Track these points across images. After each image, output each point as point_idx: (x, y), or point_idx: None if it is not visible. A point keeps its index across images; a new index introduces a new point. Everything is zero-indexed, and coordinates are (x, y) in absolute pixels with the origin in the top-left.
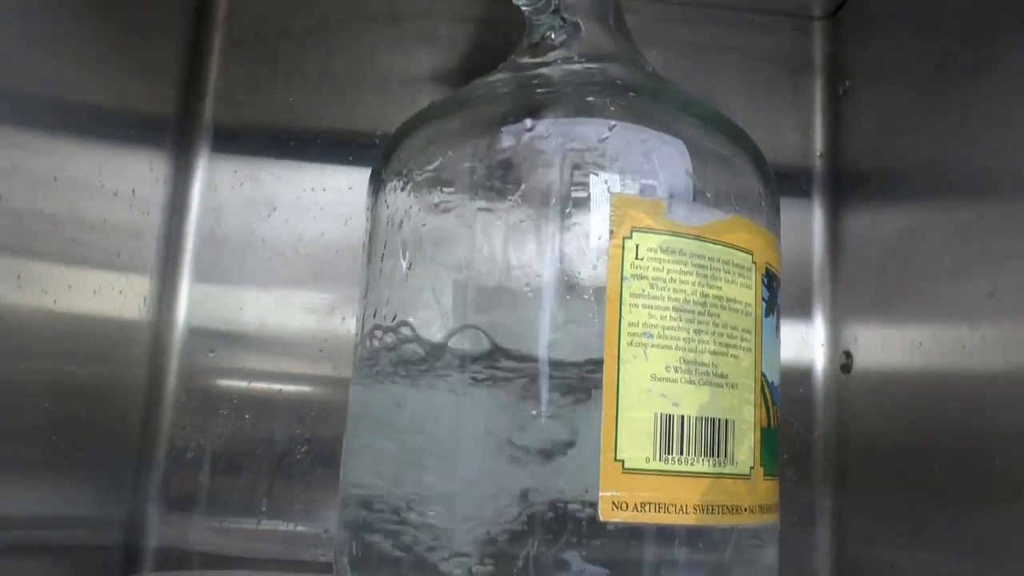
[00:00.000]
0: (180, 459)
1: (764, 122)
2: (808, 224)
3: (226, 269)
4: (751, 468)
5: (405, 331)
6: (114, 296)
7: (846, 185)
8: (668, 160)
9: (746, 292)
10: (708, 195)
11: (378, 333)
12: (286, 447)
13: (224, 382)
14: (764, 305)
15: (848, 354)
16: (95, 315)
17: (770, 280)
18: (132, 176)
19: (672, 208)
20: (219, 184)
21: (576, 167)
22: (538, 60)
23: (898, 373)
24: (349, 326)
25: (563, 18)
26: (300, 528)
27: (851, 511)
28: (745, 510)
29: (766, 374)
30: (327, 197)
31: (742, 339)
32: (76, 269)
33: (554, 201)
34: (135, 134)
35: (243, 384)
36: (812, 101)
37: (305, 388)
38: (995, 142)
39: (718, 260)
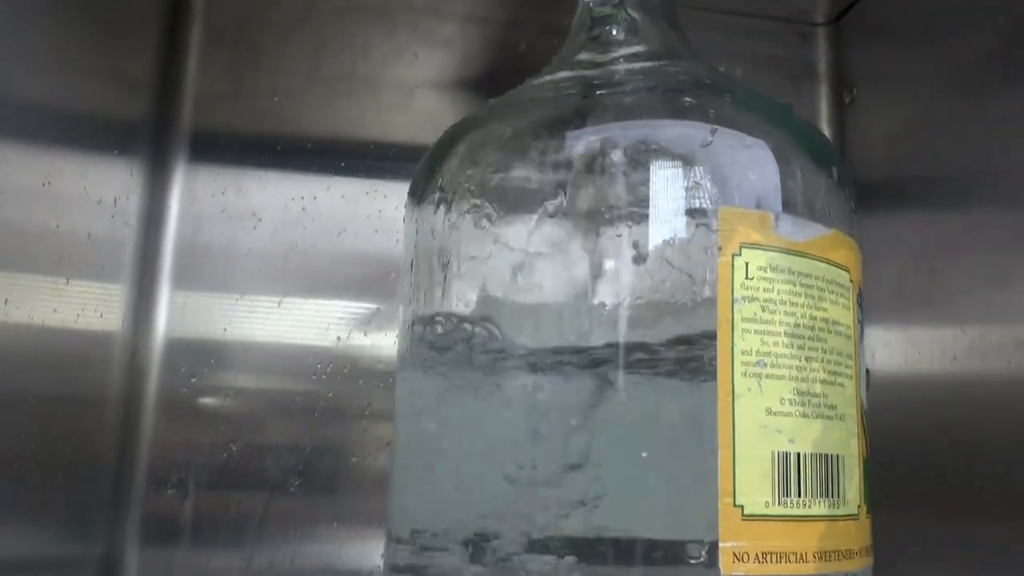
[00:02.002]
0: (161, 492)
1: None
2: None
3: (209, 284)
4: (859, 507)
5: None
6: (89, 315)
7: (859, 192)
8: (773, 169)
9: (847, 314)
10: (811, 208)
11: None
12: (279, 479)
13: (208, 407)
14: (860, 327)
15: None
16: (68, 332)
17: (862, 299)
18: (104, 186)
19: (779, 222)
20: (199, 195)
21: (674, 177)
22: (603, 57)
23: (923, 384)
24: (344, 345)
25: (628, 12)
26: (295, 567)
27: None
28: (856, 554)
29: (864, 403)
30: (318, 207)
31: (846, 365)
32: (42, 282)
33: (650, 213)
34: (106, 139)
35: (229, 409)
36: (817, 110)
37: (298, 413)
38: None
39: (823, 279)
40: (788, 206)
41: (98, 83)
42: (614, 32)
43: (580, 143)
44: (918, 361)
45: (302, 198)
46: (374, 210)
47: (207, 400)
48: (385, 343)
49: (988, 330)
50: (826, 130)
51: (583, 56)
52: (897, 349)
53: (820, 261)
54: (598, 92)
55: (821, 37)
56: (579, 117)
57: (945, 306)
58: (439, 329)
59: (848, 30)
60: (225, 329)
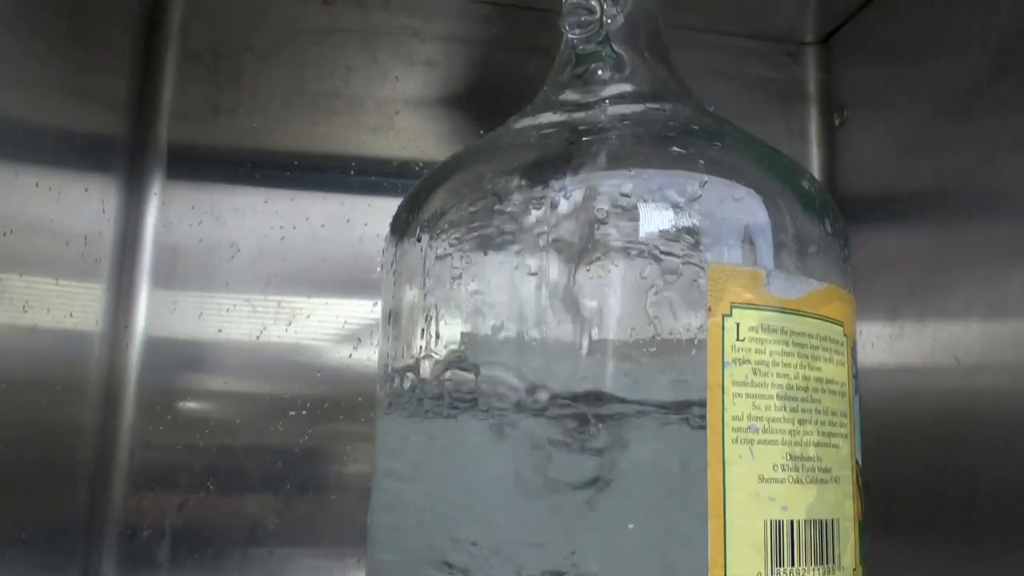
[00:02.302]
0: (135, 537)
1: None
2: None
3: (184, 318)
4: (854, 570)
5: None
6: (59, 352)
7: (847, 217)
8: (765, 222)
9: (841, 370)
10: (804, 262)
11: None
12: (259, 518)
13: (183, 449)
14: (854, 382)
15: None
16: (36, 374)
17: (855, 351)
18: (76, 213)
19: (771, 280)
20: (175, 221)
21: (662, 230)
22: (588, 98)
23: (916, 408)
24: (327, 385)
25: (613, 48)
26: None
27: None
28: None
29: (858, 460)
30: (296, 235)
31: (840, 424)
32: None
33: (635, 270)
34: (79, 163)
35: (206, 451)
36: (807, 131)
37: (278, 455)
38: None
39: (816, 336)
40: (781, 261)
41: (73, 102)
42: (599, 72)
43: (563, 193)
44: (911, 384)
45: (282, 227)
46: (354, 237)
47: (182, 442)
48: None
49: (983, 355)
50: (816, 152)
51: (567, 96)
52: (888, 374)
53: (813, 318)
54: (583, 138)
55: (811, 56)
56: (563, 165)
57: (938, 331)
58: (415, 375)
59: (838, 50)
60: (200, 365)
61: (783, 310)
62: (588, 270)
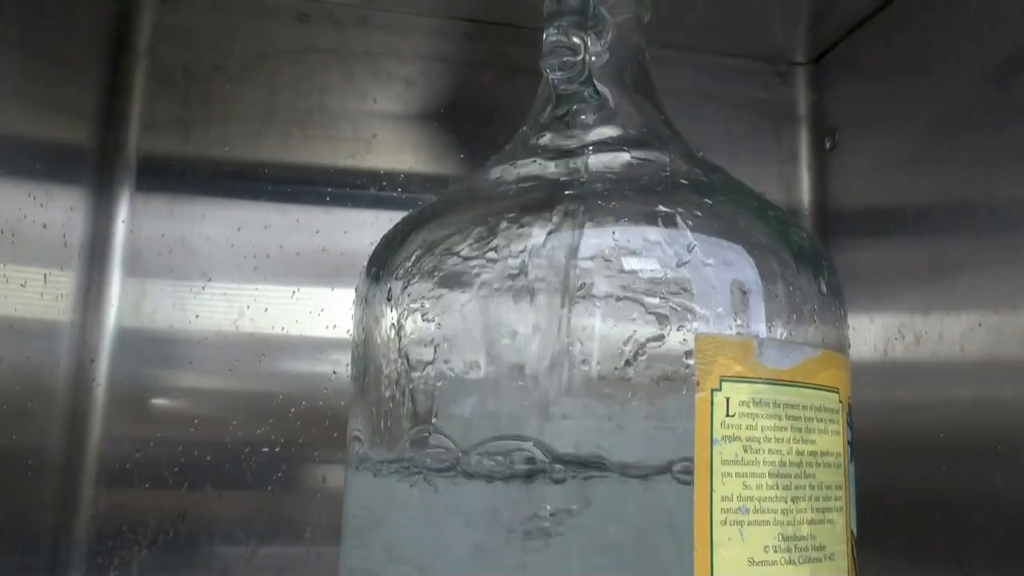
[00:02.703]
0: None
1: (748, 174)
2: None
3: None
4: None
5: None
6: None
7: (837, 241)
8: (757, 288)
9: (836, 441)
10: (798, 327)
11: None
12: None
13: (148, 497)
14: (850, 449)
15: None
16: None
17: (851, 416)
18: (39, 255)
19: (763, 349)
20: (144, 252)
21: (647, 297)
22: (569, 143)
23: (909, 437)
24: (303, 431)
25: (596, 89)
26: None
27: None
28: None
29: (853, 531)
30: (270, 265)
31: (835, 498)
32: None
33: (616, 340)
34: (46, 187)
35: (173, 500)
36: (797, 154)
37: (248, 503)
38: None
39: (810, 407)
40: (774, 329)
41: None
42: (582, 116)
43: (541, 256)
44: (903, 421)
45: (255, 256)
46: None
47: (147, 489)
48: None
49: (980, 383)
50: (806, 175)
51: (548, 140)
52: (879, 408)
53: (808, 388)
54: (565, 193)
55: (802, 77)
56: (543, 225)
57: (930, 370)
58: (385, 433)
59: (830, 70)
60: (165, 411)
61: (776, 382)
62: (568, 339)
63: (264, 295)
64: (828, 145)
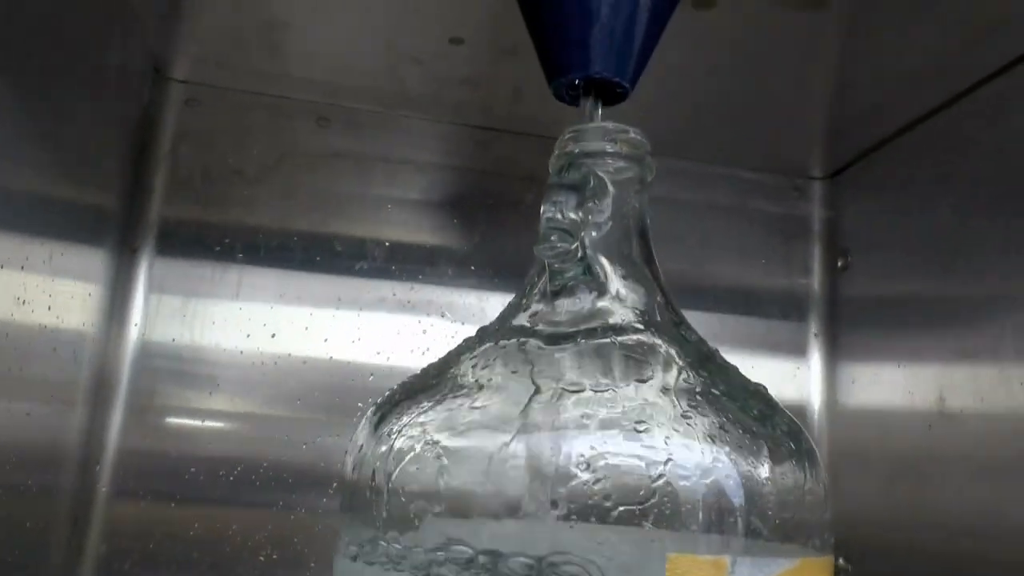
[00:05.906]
0: None
1: (759, 287)
2: (807, 395)
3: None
4: None
5: None
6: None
7: (846, 356)
8: (734, 500)
9: None
10: (775, 540)
11: None
12: None
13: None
14: None
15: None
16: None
17: None
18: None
19: (736, 567)
20: (154, 352)
21: (619, 513)
22: (559, 328)
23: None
24: (302, 546)
25: (591, 270)
26: None
27: None
28: None
29: None
30: (275, 372)
31: None
32: None
33: (585, 558)
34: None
35: None
36: (810, 270)
37: None
38: None
39: None
40: (748, 546)
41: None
42: (576, 295)
43: (512, 465)
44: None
45: (263, 363)
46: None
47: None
48: None
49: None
50: (817, 290)
51: (539, 315)
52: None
53: None
54: (545, 393)
55: (817, 192)
56: (521, 427)
57: (934, 513)
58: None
59: (845, 187)
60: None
61: None
62: (532, 554)
63: None
64: (840, 264)
